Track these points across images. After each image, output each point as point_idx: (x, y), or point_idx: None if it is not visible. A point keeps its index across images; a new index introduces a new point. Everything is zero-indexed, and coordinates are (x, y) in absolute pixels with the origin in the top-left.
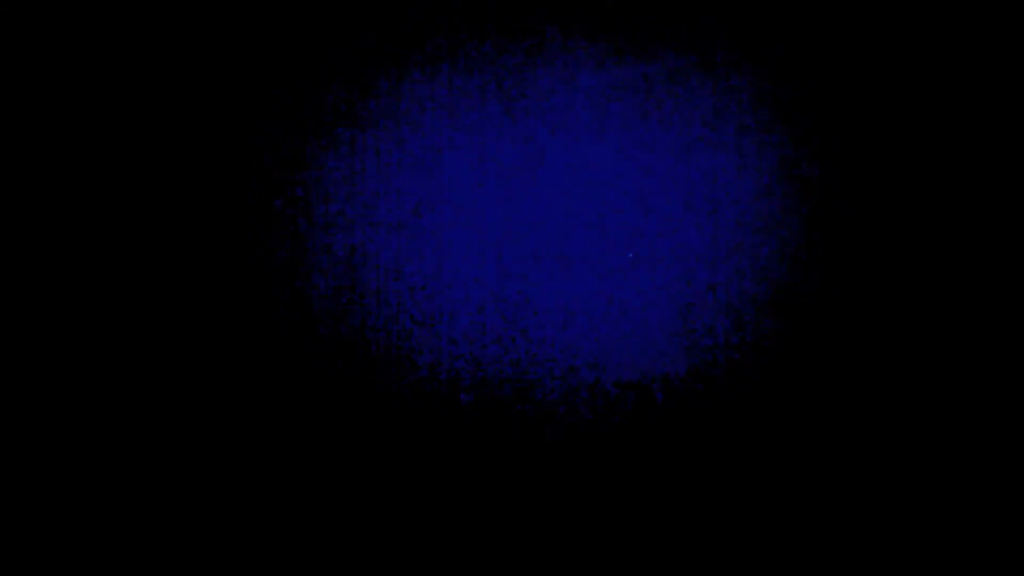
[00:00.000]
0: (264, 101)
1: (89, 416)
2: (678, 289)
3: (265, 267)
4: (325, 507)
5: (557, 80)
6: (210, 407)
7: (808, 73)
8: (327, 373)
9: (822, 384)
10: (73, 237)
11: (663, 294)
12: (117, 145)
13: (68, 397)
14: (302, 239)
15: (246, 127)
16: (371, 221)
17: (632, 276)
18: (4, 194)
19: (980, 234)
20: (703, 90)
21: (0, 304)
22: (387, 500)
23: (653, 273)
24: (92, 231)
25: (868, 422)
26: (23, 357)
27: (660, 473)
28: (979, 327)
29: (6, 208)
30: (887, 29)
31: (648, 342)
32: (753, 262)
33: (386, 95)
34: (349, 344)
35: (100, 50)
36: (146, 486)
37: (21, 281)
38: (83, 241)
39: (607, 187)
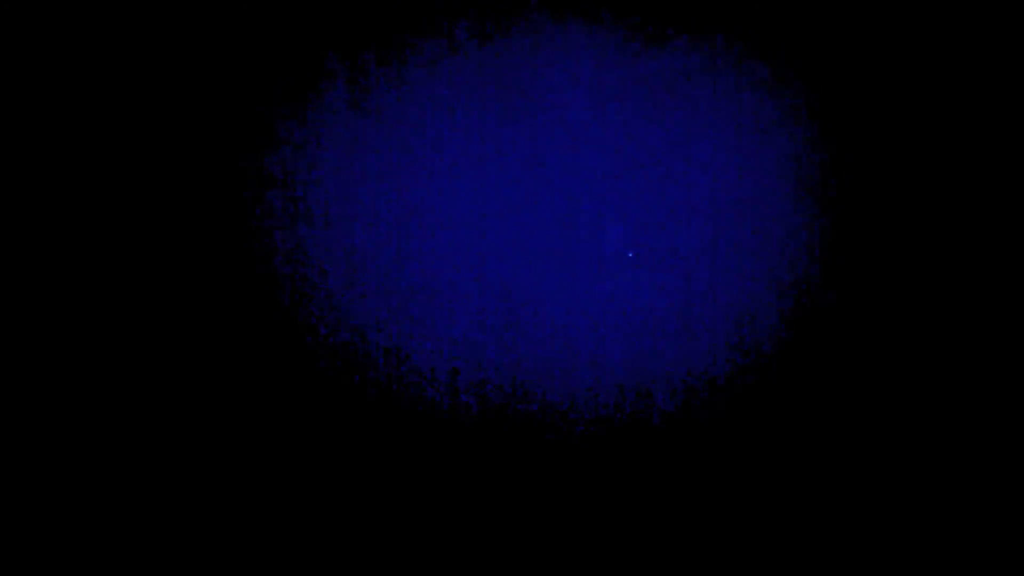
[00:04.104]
0: (264, 101)
1: (86, 415)
2: (678, 289)
3: (264, 267)
4: (325, 507)
5: (557, 80)
6: (209, 407)
7: (810, 72)
8: (327, 373)
9: (823, 384)
10: (71, 237)
11: (663, 294)
12: (115, 145)
13: (68, 397)
14: (302, 239)
15: (246, 127)
16: (371, 221)
17: (632, 276)
18: (4, 194)
19: (982, 234)
20: (703, 90)
21: (0, 304)
22: (387, 500)
23: (653, 273)
24: (89, 231)
25: (870, 422)
26: (23, 357)
27: (660, 474)
28: (981, 328)
29: (6, 208)
30: (888, 29)
31: (648, 342)
32: (753, 262)
33: (386, 95)
34: (349, 344)
35: (100, 50)
36: (144, 486)
37: (21, 281)
38: (80, 241)
39: (607, 187)
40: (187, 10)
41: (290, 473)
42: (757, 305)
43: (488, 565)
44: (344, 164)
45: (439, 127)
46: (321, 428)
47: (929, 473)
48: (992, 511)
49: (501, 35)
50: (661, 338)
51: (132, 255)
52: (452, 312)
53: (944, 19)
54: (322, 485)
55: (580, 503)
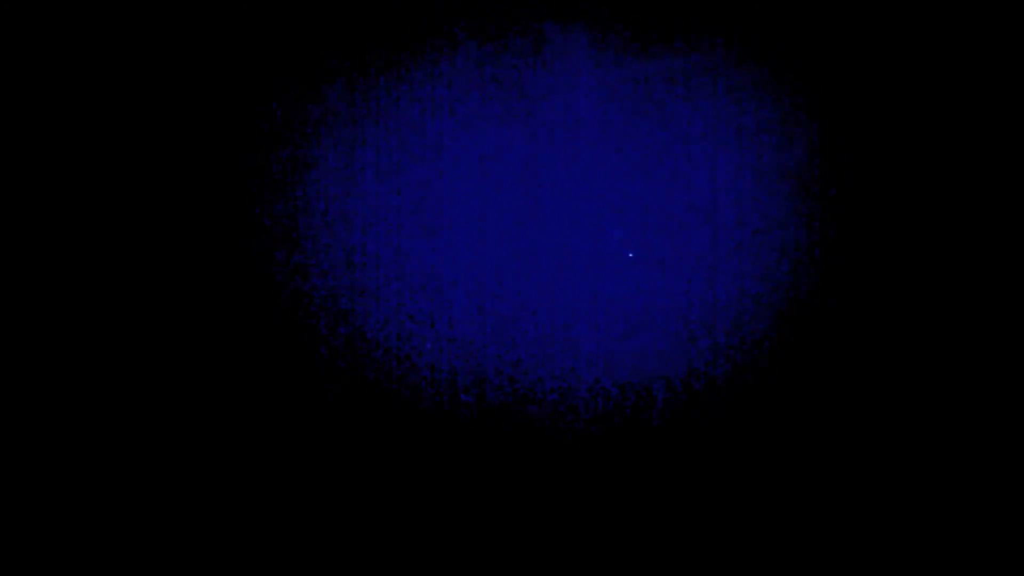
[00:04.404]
0: (264, 101)
1: (86, 416)
2: (678, 289)
3: (265, 267)
4: (325, 507)
5: (557, 80)
6: (209, 407)
7: (808, 73)
8: (327, 373)
9: (822, 384)
10: (72, 238)
11: (663, 294)
12: (116, 145)
13: (68, 397)
14: (302, 239)
15: (245, 127)
16: (371, 221)
17: (632, 276)
18: (4, 194)
19: (981, 234)
20: (703, 90)
21: (0, 304)
22: (387, 500)
23: (653, 273)
24: (91, 232)
25: (869, 422)
26: (23, 357)
27: (660, 473)
28: (980, 328)
29: (6, 208)
30: (887, 29)
31: (648, 342)
32: (753, 262)
33: (386, 95)
34: (349, 344)
35: (100, 50)
36: (145, 485)
37: (21, 281)
38: (82, 242)
39: (607, 187)
40: (187, 10)
41: (290, 472)
42: (757, 305)
43: (488, 565)
44: (344, 164)
45: (439, 127)
46: (321, 427)
47: (928, 472)
48: (992, 511)
49: (501, 35)
50: (661, 338)
51: (133, 255)
52: (452, 312)
53: (944, 19)
54: (322, 484)
55: (580, 502)
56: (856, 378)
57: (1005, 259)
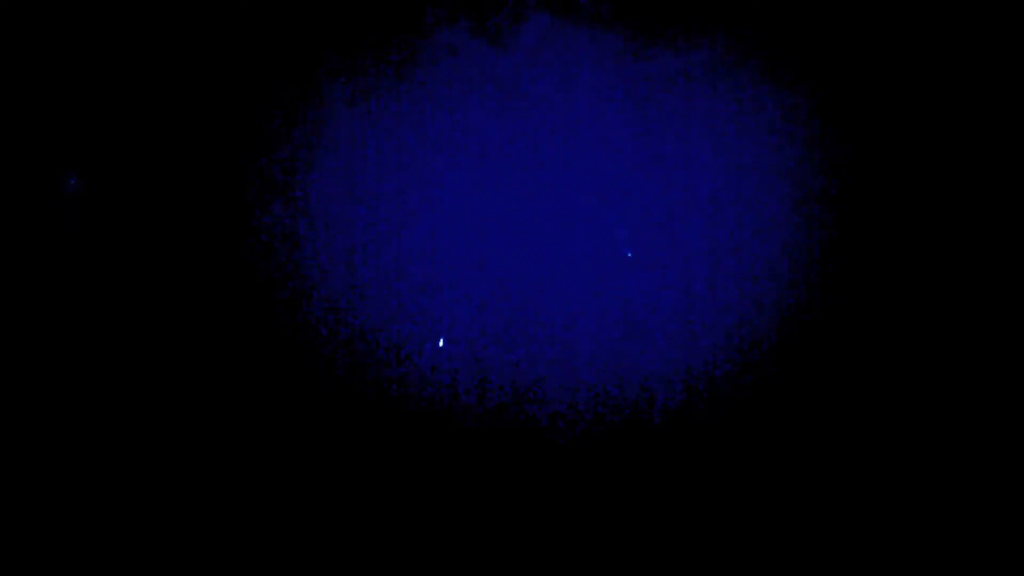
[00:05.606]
0: (264, 101)
1: (85, 416)
2: (678, 289)
3: (265, 267)
4: (325, 508)
5: (557, 80)
6: (209, 408)
7: (808, 73)
8: (327, 373)
9: (823, 385)
10: (70, 237)
11: (663, 294)
12: (116, 145)
13: (68, 398)
14: (302, 239)
15: (245, 127)
16: (371, 221)
17: (632, 276)
18: (4, 194)
19: (981, 235)
20: (703, 90)
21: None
22: (387, 501)
23: (653, 273)
24: (90, 231)
25: (869, 421)
26: (22, 357)
27: (660, 474)
28: (980, 328)
29: (6, 208)
30: (887, 29)
31: (648, 342)
32: (753, 262)
33: (386, 95)
34: (349, 344)
35: (100, 50)
36: (145, 486)
37: (19, 281)
38: (81, 242)
39: (607, 187)
40: (187, 10)
41: (290, 473)
42: (757, 305)
43: (488, 565)
44: (344, 164)
45: (439, 127)
46: (321, 428)
47: (928, 473)
48: (992, 511)
49: (501, 35)
50: (661, 338)
51: (132, 255)
52: (452, 312)
53: (944, 19)
54: (322, 485)
55: (580, 503)
56: (857, 378)
57: (1006, 258)
